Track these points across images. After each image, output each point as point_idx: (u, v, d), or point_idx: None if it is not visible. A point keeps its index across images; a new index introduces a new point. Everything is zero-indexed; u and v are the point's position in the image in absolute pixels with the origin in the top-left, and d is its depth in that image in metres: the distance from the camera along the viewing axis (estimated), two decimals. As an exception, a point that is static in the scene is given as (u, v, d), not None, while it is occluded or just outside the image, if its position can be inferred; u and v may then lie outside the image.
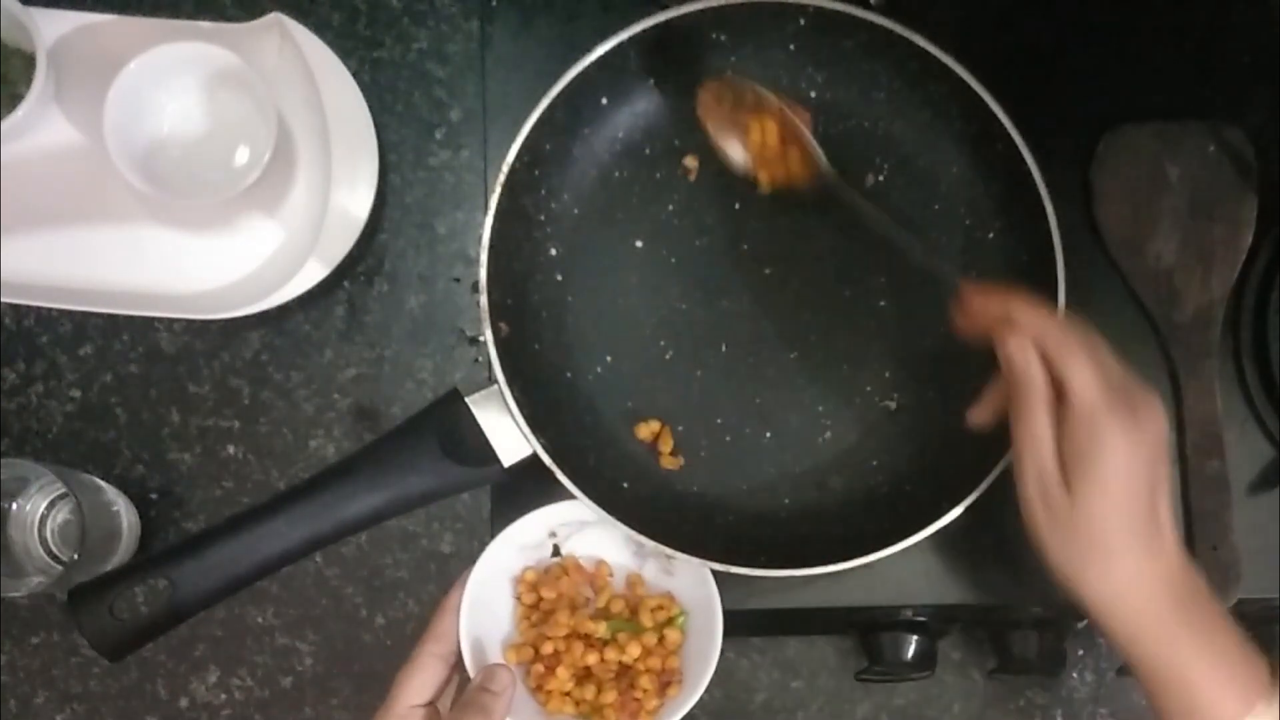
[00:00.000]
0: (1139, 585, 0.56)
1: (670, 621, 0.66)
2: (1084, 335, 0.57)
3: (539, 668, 0.65)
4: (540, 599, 0.67)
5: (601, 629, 0.65)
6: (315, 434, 0.81)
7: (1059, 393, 0.56)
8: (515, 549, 0.67)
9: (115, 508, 0.78)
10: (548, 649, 0.65)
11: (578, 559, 0.68)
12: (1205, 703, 0.55)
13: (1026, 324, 0.57)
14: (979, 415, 0.63)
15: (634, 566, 0.68)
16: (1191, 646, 0.56)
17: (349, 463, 0.64)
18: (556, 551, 0.68)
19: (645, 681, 0.65)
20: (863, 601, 0.70)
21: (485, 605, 0.65)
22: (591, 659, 0.65)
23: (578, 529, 0.67)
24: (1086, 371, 0.56)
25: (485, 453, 0.64)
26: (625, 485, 0.68)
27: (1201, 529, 0.69)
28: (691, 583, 0.66)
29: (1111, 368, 0.57)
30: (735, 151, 0.66)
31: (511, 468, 0.64)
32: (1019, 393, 0.57)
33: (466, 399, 0.65)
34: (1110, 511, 0.55)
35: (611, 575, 0.68)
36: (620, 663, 0.65)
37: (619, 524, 0.64)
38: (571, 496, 0.64)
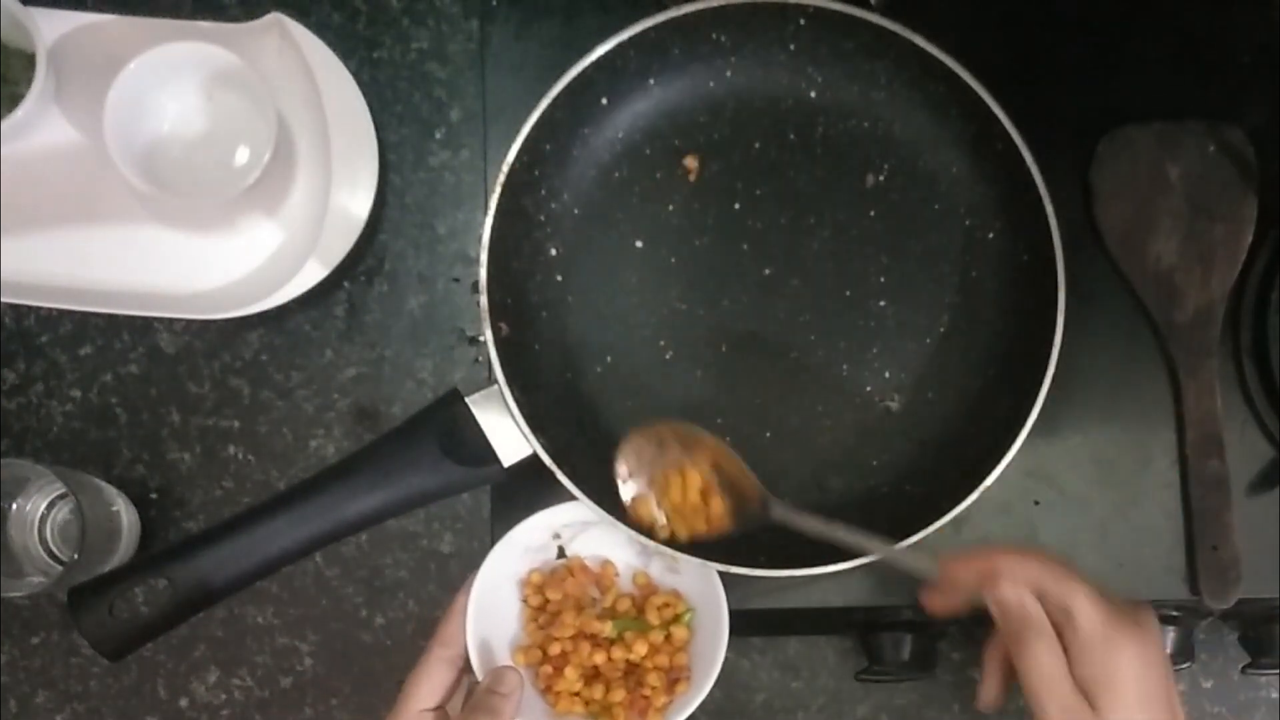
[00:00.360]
0: None
1: (677, 619, 0.66)
2: (1066, 564, 0.58)
3: (547, 669, 0.66)
4: (546, 600, 0.67)
5: (608, 628, 0.66)
6: (315, 434, 0.81)
7: (1059, 627, 0.57)
8: (520, 551, 0.67)
9: (115, 508, 0.78)
10: (555, 650, 0.65)
11: (583, 559, 0.68)
12: None
13: (1016, 573, 0.58)
14: (989, 692, 0.62)
15: (639, 565, 0.68)
16: None
17: (349, 463, 0.64)
18: (561, 553, 0.68)
19: (653, 679, 0.65)
20: (863, 601, 0.70)
21: (491, 608, 0.65)
22: (599, 658, 0.65)
23: (581, 530, 0.67)
24: (1086, 596, 0.57)
25: (485, 453, 0.64)
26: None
27: (1201, 529, 0.69)
28: (697, 580, 0.66)
29: (1102, 592, 0.58)
30: (643, 511, 0.64)
31: (511, 468, 0.64)
32: (1024, 635, 0.57)
33: (466, 399, 0.65)
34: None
35: (617, 575, 0.68)
36: (628, 661, 0.65)
37: (619, 525, 0.64)
38: (572, 497, 0.64)
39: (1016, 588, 0.58)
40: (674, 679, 0.65)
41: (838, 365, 0.70)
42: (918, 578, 0.61)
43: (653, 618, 0.66)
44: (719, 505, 0.64)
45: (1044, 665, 0.57)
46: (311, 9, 0.83)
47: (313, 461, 0.81)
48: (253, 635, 0.80)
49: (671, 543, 0.64)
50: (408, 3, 0.84)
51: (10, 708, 0.80)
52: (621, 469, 0.64)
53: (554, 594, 0.66)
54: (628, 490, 0.64)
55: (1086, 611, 0.56)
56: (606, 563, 0.68)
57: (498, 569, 0.66)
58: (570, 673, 0.65)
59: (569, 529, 0.68)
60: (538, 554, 0.68)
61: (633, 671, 0.66)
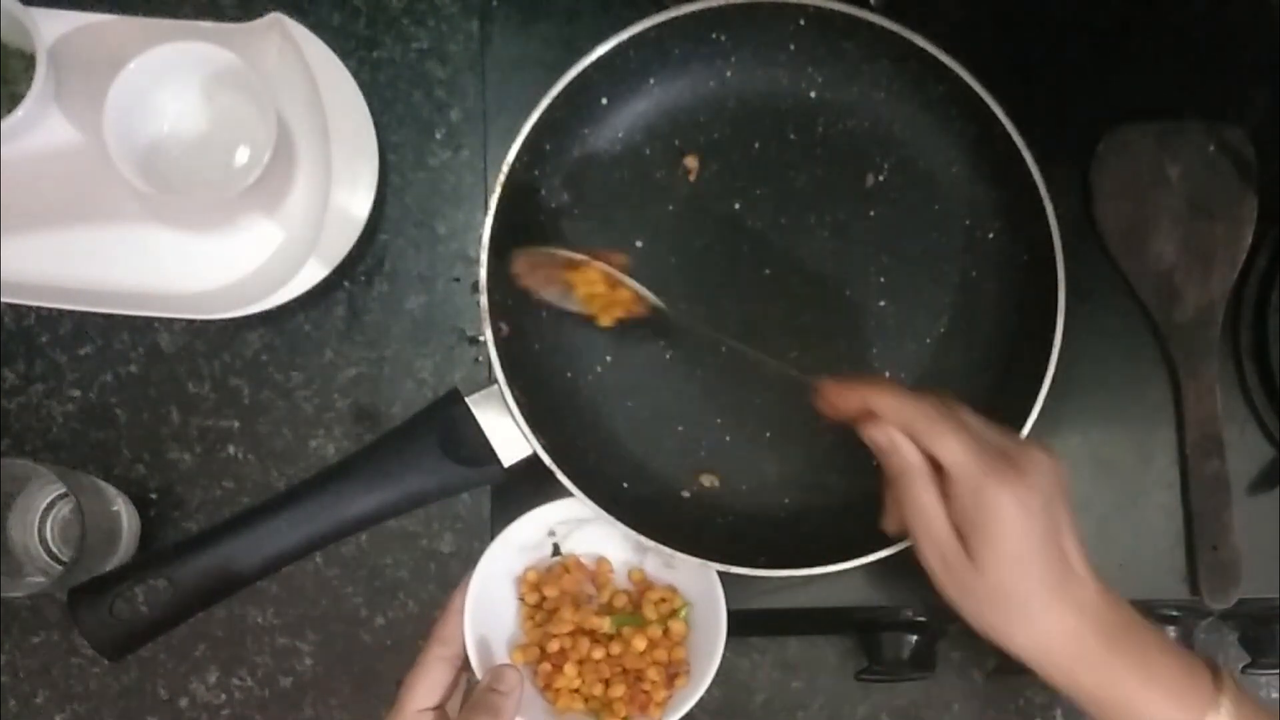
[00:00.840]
0: (1065, 635, 0.56)
1: (674, 614, 0.66)
2: (944, 407, 0.57)
3: (546, 666, 0.66)
4: (543, 598, 0.67)
5: (606, 624, 0.66)
6: (315, 434, 0.81)
7: (937, 465, 0.56)
8: (515, 549, 0.67)
9: (115, 508, 0.78)
10: (554, 647, 0.65)
11: (578, 557, 0.68)
12: None
13: (886, 412, 0.57)
14: (889, 524, 0.62)
15: (635, 561, 0.68)
16: (1132, 678, 0.56)
17: (349, 463, 0.64)
18: (557, 550, 0.68)
19: (653, 674, 0.65)
20: (863, 601, 0.70)
21: (489, 607, 0.65)
22: (598, 654, 0.65)
23: (576, 527, 0.67)
24: (954, 440, 0.56)
25: (485, 453, 0.64)
26: (625, 485, 0.68)
27: (1201, 529, 0.69)
28: (693, 574, 0.66)
29: (981, 431, 0.57)
30: (569, 303, 0.66)
31: (511, 468, 0.64)
32: (896, 477, 0.57)
33: (466, 399, 0.65)
34: (1017, 573, 0.55)
35: (613, 571, 0.68)
36: (627, 657, 0.65)
37: (619, 524, 0.64)
38: (571, 496, 0.64)
39: (887, 429, 0.57)
40: (673, 674, 0.65)
41: (838, 365, 0.70)
42: (799, 383, 0.62)
43: (650, 613, 0.66)
44: (625, 293, 0.65)
45: (917, 506, 0.56)
46: (311, 9, 0.83)
47: (313, 461, 0.81)
48: (253, 635, 0.80)
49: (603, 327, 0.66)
50: (408, 3, 0.84)
51: (10, 708, 0.80)
52: (526, 283, 0.66)
53: (550, 591, 0.66)
54: (549, 297, 0.66)
55: (954, 457, 0.55)
56: (602, 559, 0.68)
57: (493, 567, 0.66)
58: (569, 669, 0.65)
59: (564, 526, 0.68)
60: (533, 552, 0.68)
61: (632, 667, 0.66)
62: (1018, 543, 0.55)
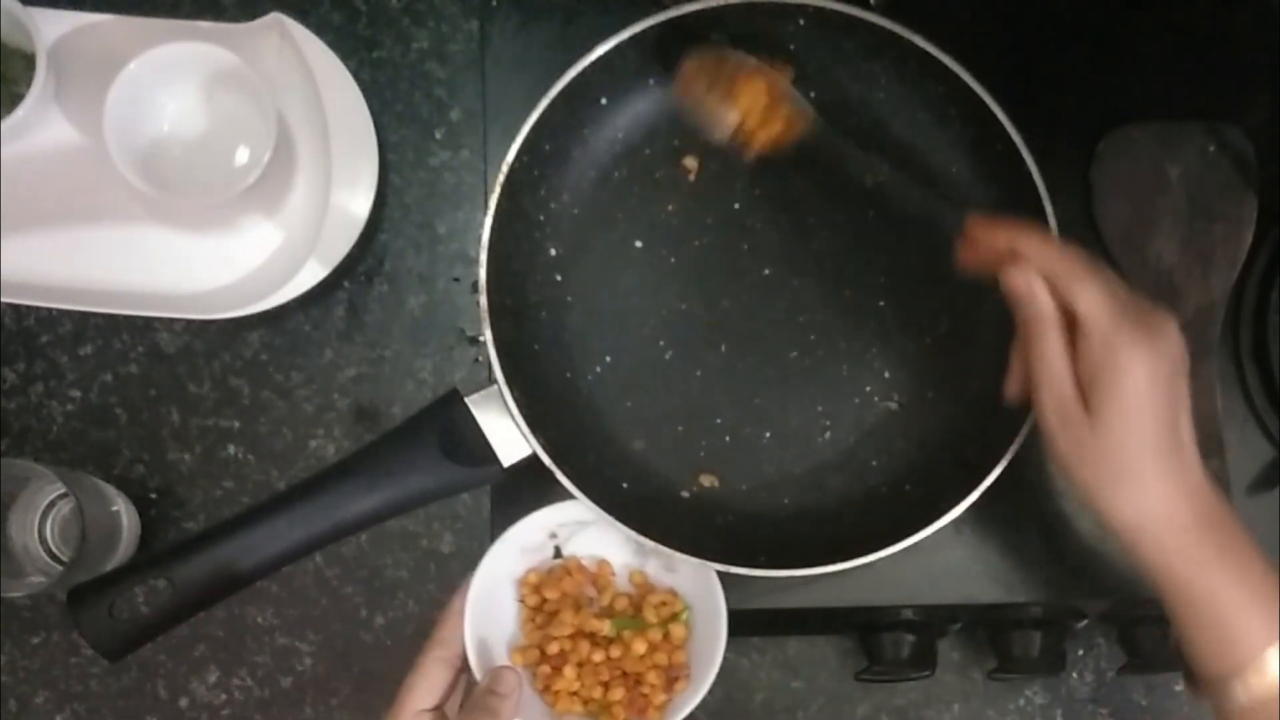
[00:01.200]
0: (1167, 507, 0.55)
1: (674, 617, 0.66)
2: (1090, 262, 0.56)
3: (545, 668, 0.66)
4: (544, 600, 0.67)
5: (606, 627, 0.66)
6: (315, 434, 0.81)
7: (1070, 320, 0.56)
8: (516, 551, 0.67)
9: (115, 508, 0.78)
10: (553, 649, 0.65)
11: (579, 559, 0.68)
12: (1233, 626, 0.55)
13: (1031, 254, 0.57)
14: (1012, 386, 0.61)
15: (636, 564, 0.68)
16: (1220, 568, 0.55)
17: (349, 463, 0.64)
18: (558, 553, 0.68)
19: (652, 677, 0.65)
20: (863, 601, 0.70)
21: (489, 609, 0.65)
22: (598, 657, 0.65)
23: (578, 529, 0.67)
24: (1096, 292, 0.55)
25: (485, 453, 0.64)
26: (625, 485, 0.68)
27: (1201, 529, 0.69)
28: (694, 578, 0.66)
29: (1120, 292, 0.56)
30: (726, 120, 0.65)
31: (511, 468, 0.64)
32: (1029, 323, 0.57)
33: (466, 399, 0.65)
34: (1134, 432, 0.55)
35: (614, 574, 0.68)
36: (626, 660, 0.65)
37: (619, 524, 0.64)
38: (571, 497, 0.64)
39: (1028, 273, 0.56)
40: (673, 677, 0.65)
41: (838, 365, 0.70)
42: (948, 229, 0.61)
43: (650, 616, 0.66)
44: (784, 111, 0.64)
45: (1044, 356, 0.56)
46: (311, 9, 0.83)
47: (313, 461, 0.81)
48: (253, 635, 0.80)
49: (750, 146, 0.65)
50: (408, 3, 0.84)
51: (10, 708, 0.80)
52: (691, 86, 0.65)
53: (551, 593, 0.66)
54: (710, 104, 0.65)
55: (1092, 307, 0.55)
56: (603, 562, 0.68)
57: (495, 569, 0.66)
58: (569, 672, 0.65)
59: (565, 528, 0.67)
60: (534, 554, 0.68)
61: (632, 670, 0.66)
62: (1141, 402, 0.54)
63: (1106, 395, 0.55)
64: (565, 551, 0.68)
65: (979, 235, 0.60)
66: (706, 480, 0.69)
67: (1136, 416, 0.54)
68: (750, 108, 0.65)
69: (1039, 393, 0.57)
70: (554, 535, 0.68)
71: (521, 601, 0.67)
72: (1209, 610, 0.55)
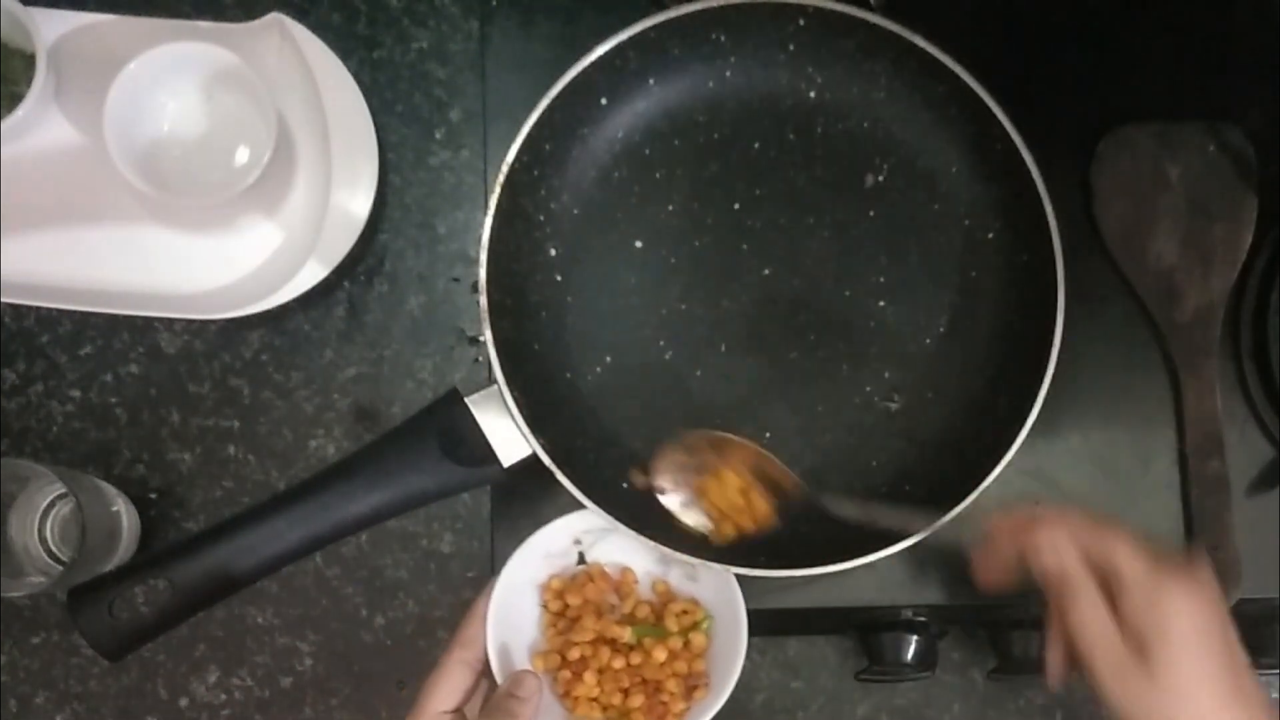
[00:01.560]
0: None
1: (695, 626, 0.66)
2: (1113, 522, 0.57)
3: (566, 674, 0.66)
4: (566, 606, 0.67)
5: (627, 634, 0.65)
6: (315, 434, 0.81)
7: (1106, 584, 0.56)
8: (540, 557, 0.67)
9: (115, 508, 0.78)
10: (574, 654, 0.65)
11: (602, 566, 0.68)
12: None
13: (1055, 531, 0.57)
14: (1054, 663, 0.60)
15: (658, 573, 0.68)
16: None
17: (349, 463, 0.64)
18: (582, 559, 0.68)
19: (672, 685, 0.65)
20: (863, 601, 0.70)
21: (511, 613, 0.65)
22: (618, 664, 0.65)
23: (601, 536, 0.67)
24: (1128, 546, 0.55)
25: (485, 453, 0.64)
26: (625, 485, 0.68)
27: (1201, 529, 0.69)
28: (716, 587, 0.66)
29: (1147, 545, 0.56)
30: (688, 514, 0.66)
31: (511, 468, 0.64)
32: (1068, 593, 0.56)
33: (466, 399, 0.65)
34: (1195, 675, 0.54)
35: (637, 582, 0.68)
36: (647, 667, 0.65)
37: (618, 524, 0.64)
38: (572, 498, 0.64)
39: (1056, 552, 0.56)
40: (692, 685, 0.65)
41: (838, 365, 0.70)
42: (961, 553, 0.61)
43: (671, 624, 0.66)
44: (761, 502, 0.65)
45: (1089, 622, 0.55)
46: (311, 9, 0.83)
47: (313, 461, 0.81)
48: (253, 635, 0.80)
49: (715, 544, 0.65)
50: (408, 3, 0.84)
51: (10, 708, 0.80)
52: (660, 482, 0.66)
53: (574, 599, 0.66)
54: (670, 502, 0.65)
55: (1130, 561, 0.55)
56: (626, 569, 0.68)
57: (519, 574, 0.66)
58: (589, 677, 0.65)
59: (589, 535, 0.67)
60: (558, 560, 0.68)
61: (651, 677, 0.66)
62: (1196, 646, 0.54)
63: (1161, 643, 0.54)
64: (589, 558, 0.68)
65: (999, 528, 0.59)
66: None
67: (1194, 660, 0.54)
68: (722, 505, 0.66)
69: (1090, 657, 0.56)
70: (578, 541, 0.68)
71: (544, 606, 0.67)
72: None
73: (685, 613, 0.66)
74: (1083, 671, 0.56)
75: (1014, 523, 0.59)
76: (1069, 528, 0.57)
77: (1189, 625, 0.54)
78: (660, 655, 0.65)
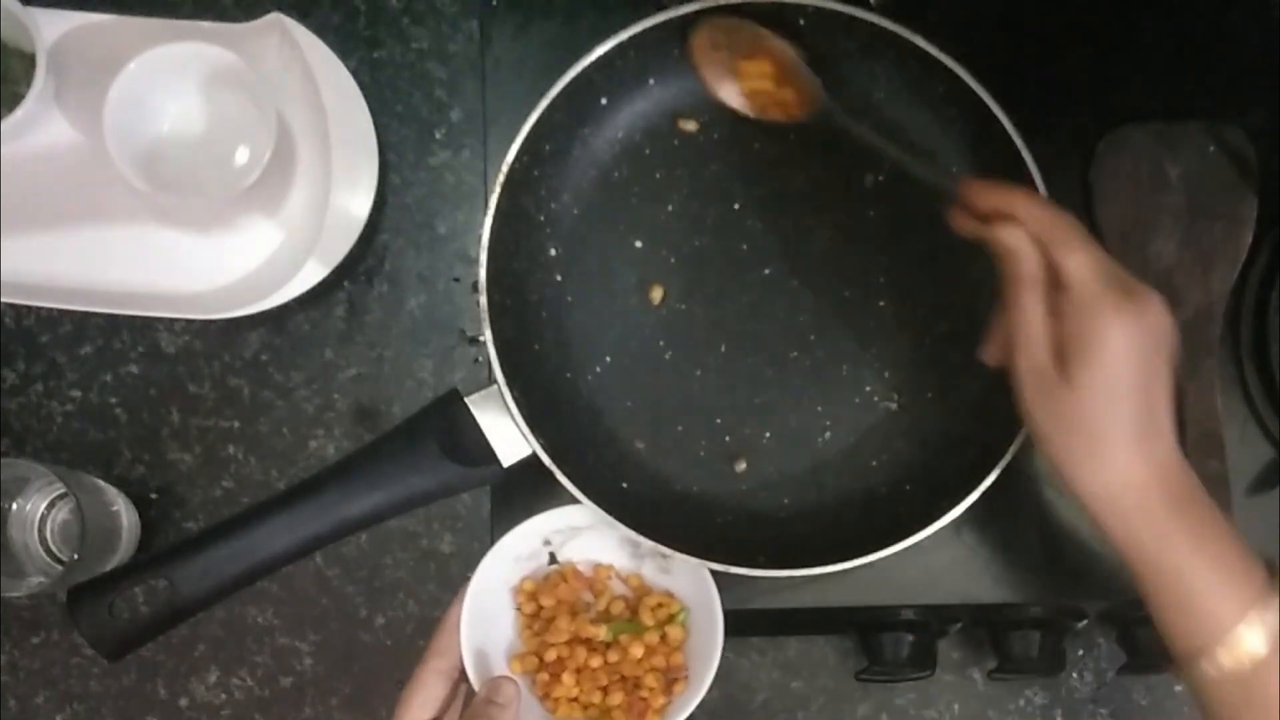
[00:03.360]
0: (1136, 482, 0.55)
1: (671, 619, 0.66)
2: (1082, 229, 0.56)
3: (544, 675, 0.66)
4: (540, 607, 0.67)
5: (603, 632, 0.66)
6: (315, 434, 0.81)
7: (1056, 282, 0.55)
8: (511, 560, 0.67)
9: (115, 508, 0.78)
10: (551, 656, 0.65)
11: (575, 565, 0.68)
12: (1202, 603, 0.54)
13: (1024, 214, 0.56)
14: (990, 350, 0.61)
15: (632, 568, 0.68)
16: (1188, 545, 0.55)
17: (349, 463, 0.64)
18: (553, 559, 0.68)
19: (651, 680, 0.65)
20: (863, 601, 0.70)
21: (485, 618, 0.65)
22: (595, 662, 0.65)
23: (572, 535, 0.68)
24: (1084, 255, 0.55)
25: (485, 453, 0.64)
26: (625, 485, 0.68)
27: (1201, 529, 0.69)
28: (689, 579, 0.66)
29: (1110, 262, 0.56)
30: (731, 97, 0.68)
31: (511, 468, 0.64)
32: (1013, 279, 0.56)
33: (466, 399, 0.65)
34: (1107, 400, 0.54)
35: (610, 578, 0.68)
36: (624, 664, 0.65)
37: (618, 524, 0.64)
38: (571, 498, 0.64)
39: (1018, 232, 0.56)
40: (671, 679, 0.65)
41: (838, 365, 0.70)
42: (942, 193, 0.61)
43: (647, 619, 0.66)
44: (788, 93, 0.66)
45: (1025, 316, 0.55)
46: (311, 9, 0.83)
47: (313, 461, 0.81)
48: (253, 635, 0.80)
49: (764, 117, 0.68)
50: (408, 3, 0.84)
51: (10, 708, 0.80)
52: (698, 48, 0.67)
53: (547, 600, 0.66)
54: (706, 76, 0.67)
55: (1077, 269, 0.54)
56: (599, 566, 0.68)
57: (490, 578, 0.66)
58: (567, 678, 0.65)
59: (559, 535, 0.67)
60: (529, 561, 0.68)
61: (630, 674, 0.66)
62: (1117, 372, 0.54)
63: (1083, 361, 0.54)
64: (560, 558, 0.68)
65: (974, 196, 0.59)
66: (706, 480, 0.69)
67: (1111, 385, 0.54)
68: (753, 90, 0.66)
69: (1016, 355, 0.56)
70: (548, 542, 0.68)
71: (518, 609, 0.67)
72: (1177, 587, 0.55)
73: (660, 606, 0.67)
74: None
75: (988, 195, 0.58)
76: (1036, 219, 0.56)
77: (1115, 349, 0.54)
78: (637, 651, 0.65)
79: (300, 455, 0.81)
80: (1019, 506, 0.70)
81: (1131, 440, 0.55)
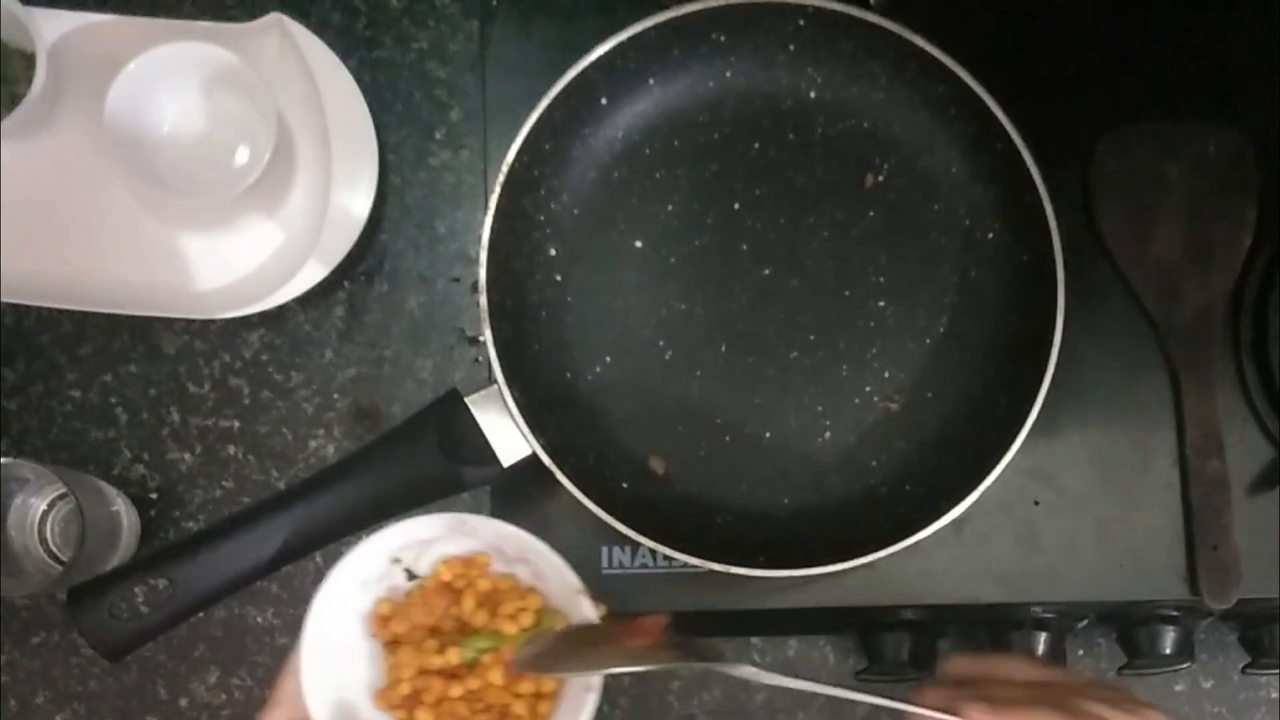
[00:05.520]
0: None
1: (537, 624, 0.60)
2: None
3: (401, 713, 0.59)
4: (395, 635, 0.60)
5: (455, 656, 0.58)
6: (315, 434, 0.81)
7: None
8: (357, 586, 0.60)
9: (115, 508, 0.78)
10: (405, 690, 0.58)
11: (438, 576, 0.61)
12: None
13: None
14: None
15: (503, 569, 0.62)
16: None
17: (349, 463, 0.64)
18: (412, 576, 0.61)
19: (519, 708, 0.58)
20: (863, 601, 0.70)
21: (337, 655, 0.59)
22: (455, 692, 0.58)
23: (425, 548, 0.61)
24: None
25: (484, 453, 0.64)
26: (625, 485, 0.68)
27: (1201, 529, 0.69)
28: (558, 583, 0.60)
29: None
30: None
31: (511, 468, 0.64)
32: None
33: (466, 399, 0.65)
34: None
35: (489, 567, 0.62)
36: (488, 692, 0.59)
37: (618, 524, 0.64)
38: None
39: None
40: (541, 697, 0.59)
41: (838, 365, 0.70)
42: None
43: (507, 627, 0.59)
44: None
45: None
46: (311, 9, 0.83)
47: (313, 461, 0.81)
48: (253, 635, 0.80)
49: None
50: (408, 3, 0.84)
51: (10, 708, 0.80)
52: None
53: (399, 627, 0.60)
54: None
55: None
56: (468, 561, 0.61)
57: (331, 611, 0.59)
58: (422, 715, 0.58)
59: (408, 550, 0.61)
60: (381, 583, 0.61)
61: (495, 702, 0.59)
62: None
63: None
64: (420, 572, 0.61)
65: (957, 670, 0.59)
66: (706, 480, 0.69)
67: None
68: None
69: None
70: (397, 560, 0.61)
71: (375, 638, 0.61)
72: None
73: (521, 610, 0.59)
74: None
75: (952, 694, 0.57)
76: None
77: None
78: (496, 676, 0.58)
79: (300, 455, 0.81)
80: (1018, 506, 0.70)
81: None
